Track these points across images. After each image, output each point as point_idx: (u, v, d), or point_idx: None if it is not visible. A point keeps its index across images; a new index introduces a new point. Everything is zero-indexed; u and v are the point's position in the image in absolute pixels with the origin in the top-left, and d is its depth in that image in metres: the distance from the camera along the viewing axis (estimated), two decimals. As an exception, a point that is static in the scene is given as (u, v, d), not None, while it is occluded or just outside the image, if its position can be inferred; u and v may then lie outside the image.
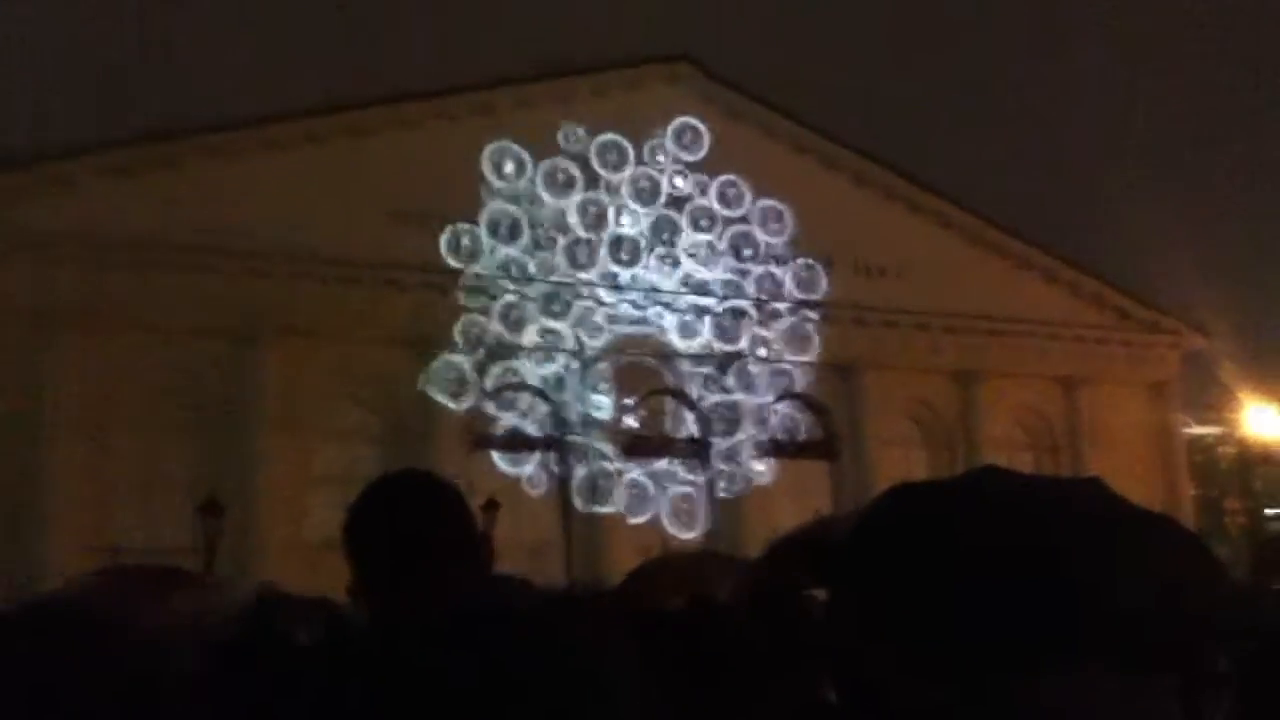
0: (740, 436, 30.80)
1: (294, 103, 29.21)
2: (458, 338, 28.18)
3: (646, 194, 30.96)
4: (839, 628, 1.53)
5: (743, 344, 31.21)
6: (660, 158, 31.11)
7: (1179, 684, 1.30)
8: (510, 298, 29.00)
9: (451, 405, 27.81)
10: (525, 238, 29.43)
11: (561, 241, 29.82)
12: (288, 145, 27.15)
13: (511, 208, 29.40)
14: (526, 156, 29.69)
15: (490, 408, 28.79)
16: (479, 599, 2.26)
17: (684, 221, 31.25)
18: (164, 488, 25.23)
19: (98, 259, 24.74)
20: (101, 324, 24.76)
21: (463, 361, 28.09)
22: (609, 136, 30.46)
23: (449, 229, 28.43)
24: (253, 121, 27.59)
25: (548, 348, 29.17)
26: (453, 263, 28.48)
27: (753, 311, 31.49)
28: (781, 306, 31.65)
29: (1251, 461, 30.01)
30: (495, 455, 28.33)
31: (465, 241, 28.61)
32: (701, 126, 31.36)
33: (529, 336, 29.02)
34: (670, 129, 31.11)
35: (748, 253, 31.74)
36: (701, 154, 31.46)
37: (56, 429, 24.11)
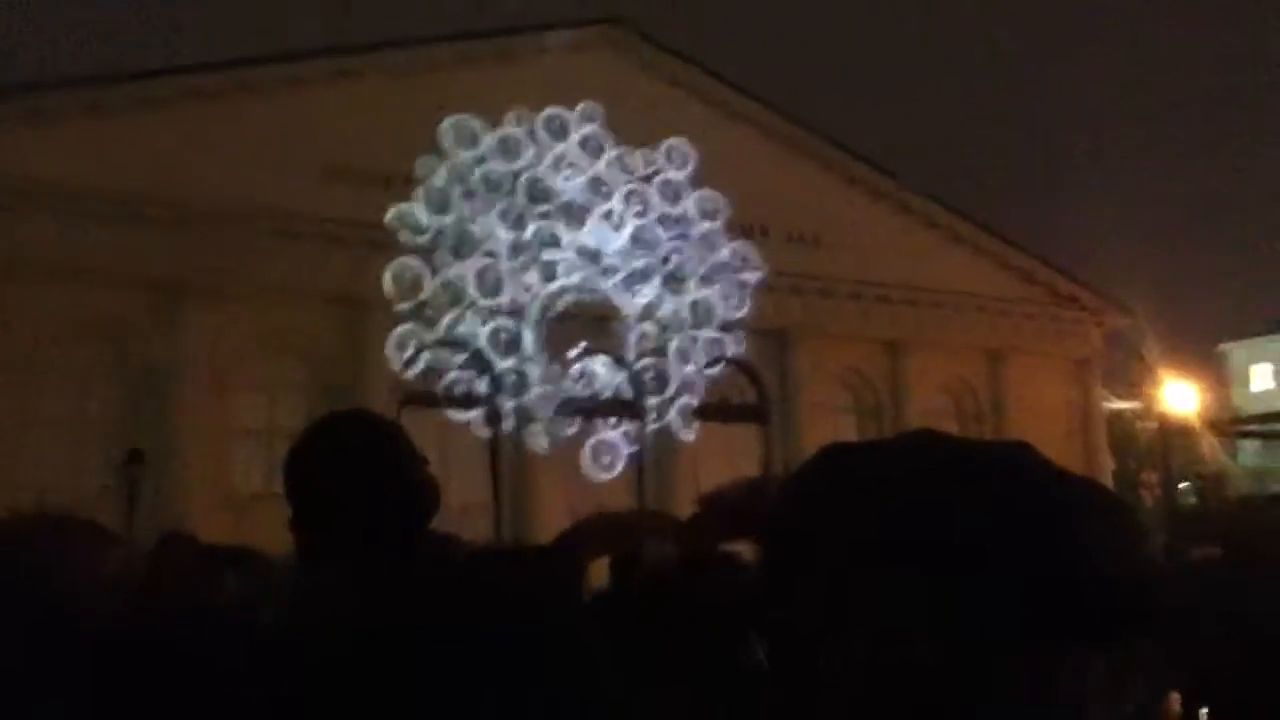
0: (672, 398, 30.87)
1: (232, 52, 28.68)
2: (392, 292, 27.80)
3: (587, 159, 30.71)
4: (770, 591, 1.53)
5: (678, 308, 31.21)
6: (599, 124, 30.85)
7: (1096, 661, 1.30)
8: (447, 258, 28.66)
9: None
10: (465, 201, 29.04)
11: (501, 206, 29.49)
12: (222, 95, 26.58)
13: (452, 173, 28.97)
14: (471, 122, 29.28)
15: (422, 365, 28.54)
16: (408, 552, 2.24)
17: (623, 186, 31.07)
18: (86, 435, 24.79)
19: (20, 206, 24.12)
20: (23, 272, 24.13)
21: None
22: (552, 108, 30.12)
23: (393, 207, 27.85)
24: (186, 69, 26.99)
25: (482, 308, 28.92)
26: (393, 226, 28.01)
27: (689, 275, 31.49)
28: (717, 272, 31.69)
29: (1169, 435, 30.69)
30: (425, 413, 28.08)
31: (406, 213, 28.08)
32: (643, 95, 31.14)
33: (464, 296, 28.74)
34: (610, 98, 30.82)
35: (684, 218, 31.67)
36: (641, 122, 31.31)
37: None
